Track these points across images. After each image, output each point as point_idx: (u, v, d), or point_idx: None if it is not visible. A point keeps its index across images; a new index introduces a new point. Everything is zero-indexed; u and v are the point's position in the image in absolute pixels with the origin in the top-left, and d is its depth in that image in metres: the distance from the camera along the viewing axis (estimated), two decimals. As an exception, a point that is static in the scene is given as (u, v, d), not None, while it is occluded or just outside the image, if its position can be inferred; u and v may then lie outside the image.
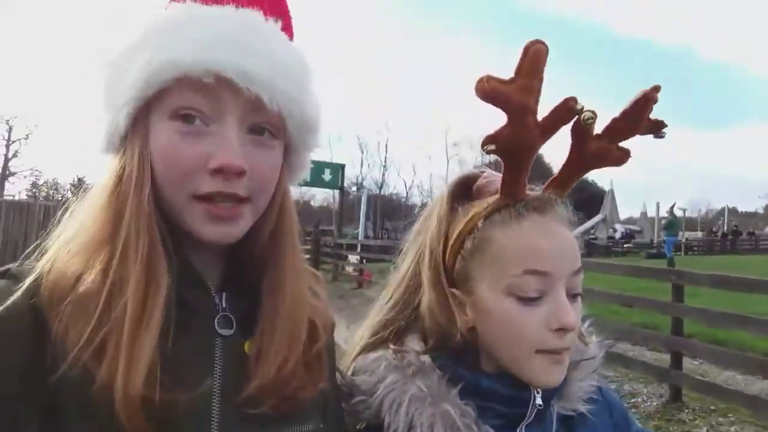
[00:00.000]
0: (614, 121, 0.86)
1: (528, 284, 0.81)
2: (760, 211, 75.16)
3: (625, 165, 0.90)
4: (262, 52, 0.70)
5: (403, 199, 55.94)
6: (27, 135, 41.86)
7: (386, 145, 54.37)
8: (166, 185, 0.69)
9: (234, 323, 0.75)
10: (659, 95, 0.84)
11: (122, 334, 0.63)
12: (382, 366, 0.88)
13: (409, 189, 56.13)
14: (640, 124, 0.86)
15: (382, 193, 51.94)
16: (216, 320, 0.74)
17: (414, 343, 0.90)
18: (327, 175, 18.31)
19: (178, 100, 0.68)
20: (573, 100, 0.81)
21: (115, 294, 0.65)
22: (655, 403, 5.62)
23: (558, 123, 0.82)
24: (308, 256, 15.20)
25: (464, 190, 0.93)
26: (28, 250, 0.73)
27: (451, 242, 0.89)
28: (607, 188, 45.48)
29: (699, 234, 50.08)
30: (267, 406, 0.71)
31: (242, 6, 0.73)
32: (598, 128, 0.86)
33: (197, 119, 0.69)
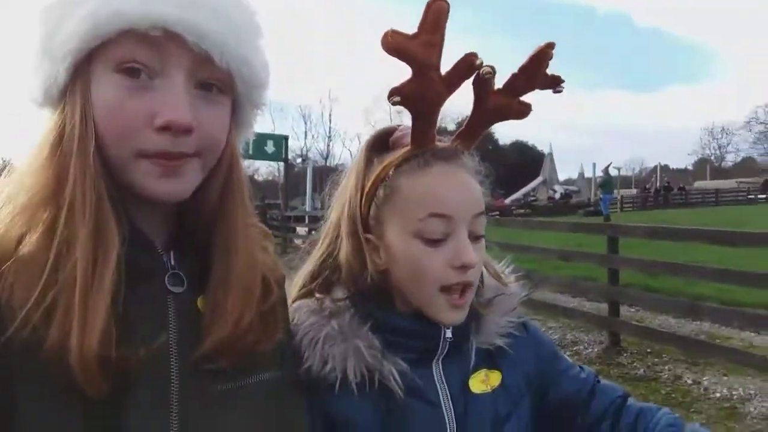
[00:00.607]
0: (513, 76, 0.92)
1: (433, 227, 0.88)
2: (690, 167, 79.05)
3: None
4: (213, 7, 0.67)
5: (349, 170, 55.53)
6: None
7: (330, 116, 53.79)
8: (110, 142, 0.66)
9: (185, 281, 0.74)
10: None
11: (74, 294, 0.61)
12: (303, 311, 0.94)
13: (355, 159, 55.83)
14: (537, 79, 0.92)
15: (327, 164, 51.51)
16: (166, 278, 0.73)
17: (338, 293, 0.96)
18: (270, 147, 17.88)
19: (123, 52, 0.65)
20: (473, 55, 0.85)
21: (62, 254, 0.63)
22: (596, 350, 5.96)
23: (460, 77, 0.86)
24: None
25: (382, 143, 0.98)
26: None
27: (365, 191, 0.95)
28: (546, 151, 46.72)
29: (633, 191, 52.30)
30: (224, 361, 0.71)
31: None
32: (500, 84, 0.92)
33: (142, 73, 0.65)
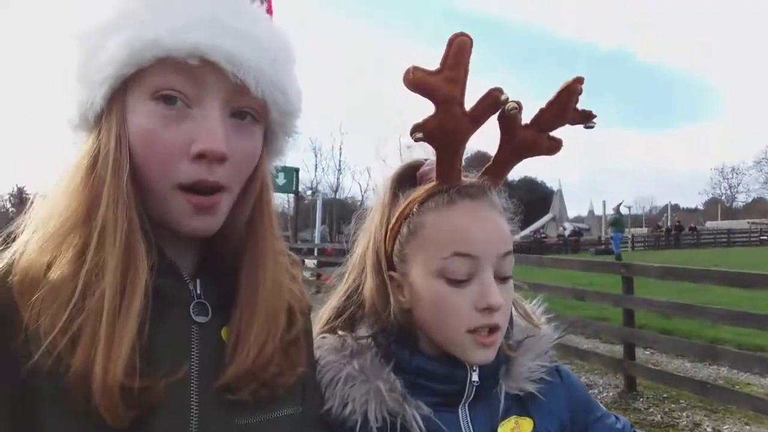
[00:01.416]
0: (541, 111, 0.90)
1: (456, 266, 0.85)
2: (701, 206, 78.73)
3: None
4: (249, 35, 0.67)
5: (359, 203, 55.99)
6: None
7: (340, 149, 54.30)
8: (146, 170, 0.66)
9: (210, 310, 0.73)
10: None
11: (100, 323, 0.61)
12: (324, 349, 0.91)
13: (365, 192, 56.21)
14: (566, 114, 0.90)
15: (337, 196, 51.79)
16: (191, 307, 0.72)
17: (362, 330, 0.94)
18: (281, 179, 18.00)
19: (160, 80, 0.65)
20: (498, 90, 0.84)
21: (91, 282, 0.62)
22: (611, 394, 5.78)
23: (485, 113, 0.85)
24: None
25: (407, 178, 0.97)
26: (6, 231, 0.70)
27: (390, 226, 0.93)
28: (556, 188, 46.73)
29: (644, 230, 51.97)
30: (245, 392, 0.70)
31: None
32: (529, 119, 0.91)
33: (179, 101, 0.66)
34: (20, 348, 0.60)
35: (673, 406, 5.37)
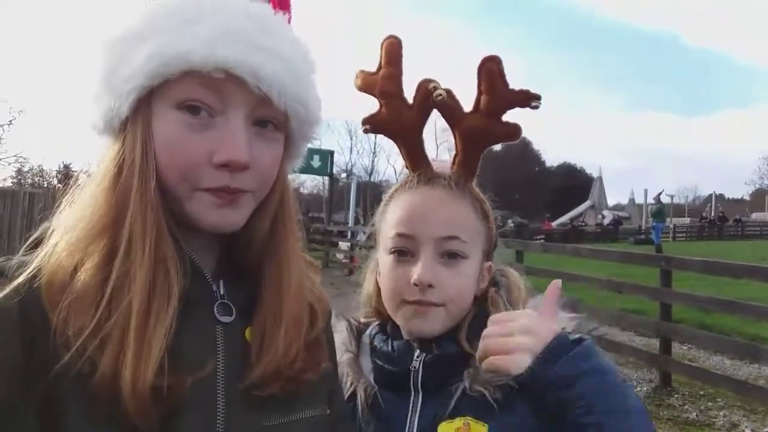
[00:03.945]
0: (476, 97, 0.92)
1: (399, 243, 0.95)
2: (747, 197, 76.00)
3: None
4: (272, 50, 0.69)
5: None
6: (11, 120, 41.15)
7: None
8: (169, 176, 0.68)
9: (234, 310, 0.75)
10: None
11: (129, 327, 0.62)
12: (341, 333, 1.05)
13: (399, 176, 56.14)
14: (501, 96, 0.90)
15: (371, 180, 51.87)
16: (215, 307, 0.74)
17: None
18: (316, 162, 18.11)
19: (186, 92, 0.67)
20: (426, 81, 0.89)
21: (121, 286, 0.64)
22: (645, 389, 5.66)
23: (423, 103, 0.90)
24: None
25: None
26: (29, 241, 0.72)
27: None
28: (596, 175, 45.74)
29: (686, 220, 50.56)
30: (273, 388, 0.71)
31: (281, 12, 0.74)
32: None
33: (203, 111, 0.67)
34: (48, 351, 0.61)
35: (709, 404, 5.24)
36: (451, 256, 0.93)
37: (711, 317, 7.45)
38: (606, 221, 38.74)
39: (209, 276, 0.75)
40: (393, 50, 0.88)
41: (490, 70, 0.89)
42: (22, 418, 0.60)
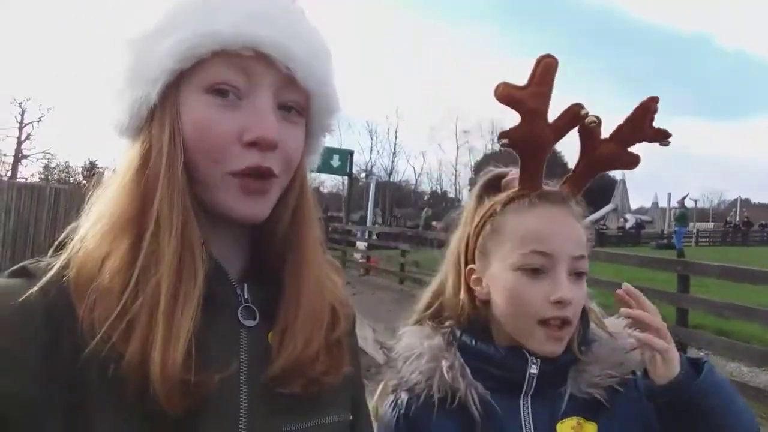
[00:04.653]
0: (619, 127, 0.97)
1: (534, 262, 0.94)
2: (774, 202, 74.25)
3: (635, 153, 0.99)
4: (296, 31, 0.71)
5: (413, 187, 55.90)
6: (40, 118, 41.98)
7: (396, 132, 54.17)
8: (199, 160, 0.68)
9: (257, 314, 0.75)
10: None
11: (157, 309, 0.62)
12: (405, 333, 1.07)
13: (419, 176, 56.01)
14: (643, 131, 0.96)
15: (391, 180, 51.82)
16: (239, 311, 0.74)
17: (444, 321, 1.05)
18: (336, 161, 18.17)
19: (215, 74, 0.68)
20: (578, 105, 0.93)
21: (147, 268, 0.64)
22: (658, 393, 5.61)
23: (566, 125, 0.94)
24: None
25: (493, 186, 1.07)
26: (56, 243, 0.72)
27: (474, 224, 1.03)
28: (618, 177, 45.16)
29: (710, 225, 49.64)
30: (295, 386, 0.71)
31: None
32: (608, 132, 0.98)
33: (231, 93, 0.68)
34: (76, 344, 0.61)
35: (724, 410, 5.17)
36: (578, 275, 0.96)
37: (729, 323, 7.34)
38: (628, 225, 38.19)
39: (234, 280, 0.75)
40: (548, 70, 0.90)
41: (648, 108, 0.95)
42: (49, 415, 0.60)
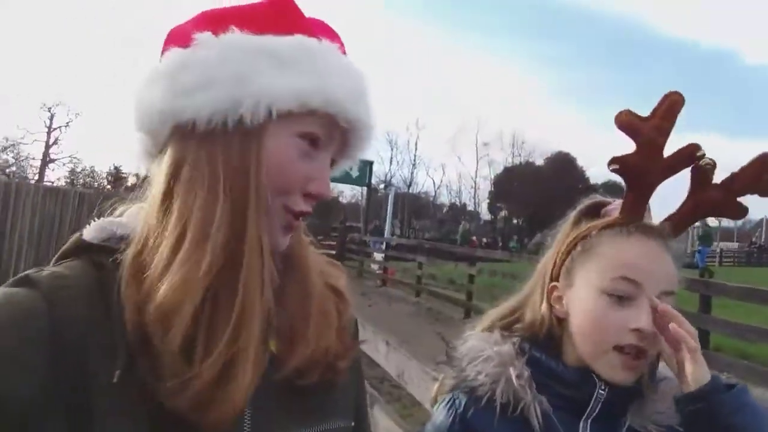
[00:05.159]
0: (733, 175, 0.96)
1: (622, 288, 0.94)
2: (801, 223, 72.61)
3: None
4: (366, 99, 0.78)
5: (431, 199, 55.86)
6: (68, 122, 42.86)
7: (416, 143, 54.23)
8: (268, 191, 0.71)
9: None
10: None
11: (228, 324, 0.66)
12: (473, 336, 1.07)
13: (438, 188, 55.99)
14: (759, 183, 0.95)
15: (410, 191, 51.85)
16: None
17: (515, 332, 1.06)
18: (354, 172, 18.12)
19: (311, 125, 0.72)
20: (695, 146, 0.94)
21: (217, 297, 0.66)
22: (677, 416, 5.49)
23: (681, 163, 0.95)
24: (333, 252, 15.25)
25: (593, 211, 1.07)
26: (58, 253, 0.73)
27: (566, 243, 1.04)
28: (640, 195, 44.50)
29: (735, 245, 48.73)
30: (312, 376, 0.74)
31: (340, 48, 0.79)
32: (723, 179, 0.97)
33: (318, 144, 0.74)
34: (84, 348, 0.63)
35: (745, 436, 5.03)
36: None
37: (753, 347, 7.19)
38: (649, 242, 37.57)
39: None
40: (674, 107, 0.92)
41: (766, 162, 0.95)
42: (52, 416, 0.61)
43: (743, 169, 0.96)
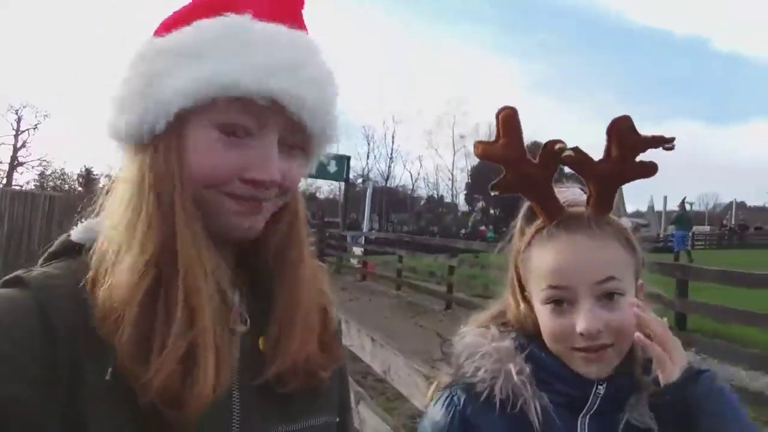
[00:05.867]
0: (606, 148, 0.95)
1: (554, 296, 0.95)
2: (768, 205, 74.58)
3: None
4: (314, 79, 0.73)
5: (409, 192, 55.98)
6: (36, 125, 41.92)
7: (393, 137, 54.23)
8: (199, 183, 0.71)
9: (248, 320, 0.76)
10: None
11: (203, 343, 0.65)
12: (469, 334, 1.06)
13: (415, 181, 56.08)
14: (629, 146, 0.94)
15: (388, 185, 51.84)
16: (230, 318, 0.75)
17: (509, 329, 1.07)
18: (332, 167, 18.16)
19: (228, 115, 0.70)
20: (551, 142, 0.94)
21: (169, 297, 0.66)
22: (657, 398, 5.59)
23: (549, 162, 0.96)
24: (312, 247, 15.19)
25: (532, 217, 1.05)
26: (49, 248, 0.74)
27: (514, 258, 1.06)
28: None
29: (707, 228, 49.85)
30: (293, 384, 0.74)
31: (295, 26, 0.75)
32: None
33: (240, 132, 0.71)
34: (75, 346, 0.63)
35: (724, 415, 5.15)
36: (609, 297, 0.94)
37: (728, 328, 7.35)
38: (624, 229, 38.21)
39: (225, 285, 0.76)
40: (509, 121, 0.95)
41: (620, 129, 0.94)
42: (47, 418, 0.61)
43: (607, 144, 0.95)
